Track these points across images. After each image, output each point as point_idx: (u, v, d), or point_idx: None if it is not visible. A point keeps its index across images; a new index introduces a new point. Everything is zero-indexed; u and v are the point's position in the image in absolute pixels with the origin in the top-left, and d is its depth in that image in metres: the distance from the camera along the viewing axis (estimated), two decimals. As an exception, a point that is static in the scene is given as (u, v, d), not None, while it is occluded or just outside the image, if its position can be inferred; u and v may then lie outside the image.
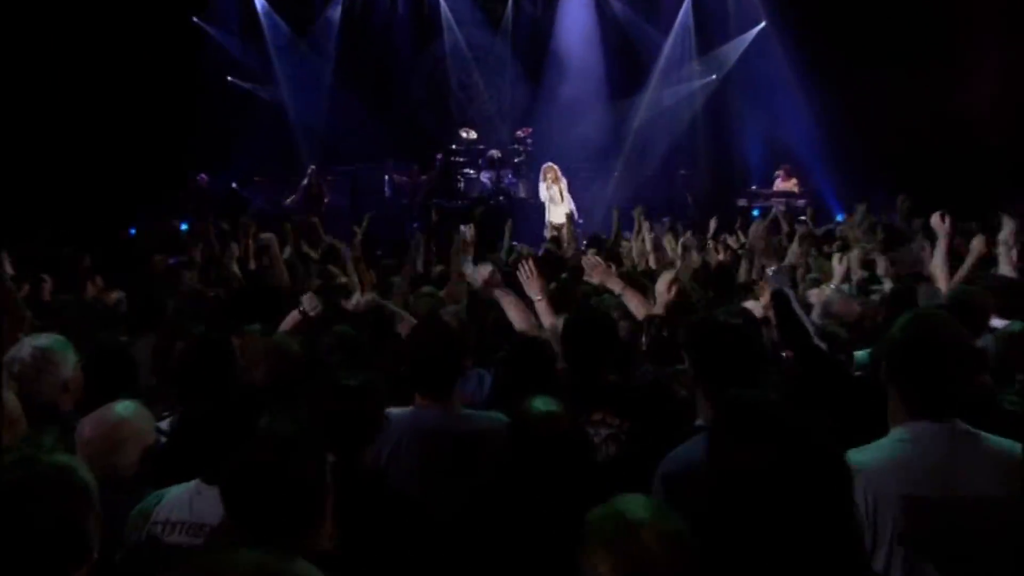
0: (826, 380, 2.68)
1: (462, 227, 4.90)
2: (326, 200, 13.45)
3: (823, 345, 2.80)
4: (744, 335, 2.39)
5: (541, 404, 2.28)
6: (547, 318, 3.78)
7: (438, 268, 7.00)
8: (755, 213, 13.43)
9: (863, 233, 7.45)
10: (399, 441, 2.71)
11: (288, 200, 11.48)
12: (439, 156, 14.73)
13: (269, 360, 3.19)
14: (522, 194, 14.93)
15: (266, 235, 5.79)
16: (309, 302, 4.00)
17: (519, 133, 15.32)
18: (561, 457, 2.17)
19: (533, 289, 3.94)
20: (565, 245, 9.64)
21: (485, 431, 2.68)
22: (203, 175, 13.51)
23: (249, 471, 1.80)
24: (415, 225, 13.73)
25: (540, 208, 12.86)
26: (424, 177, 14.66)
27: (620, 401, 2.83)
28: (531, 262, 4.00)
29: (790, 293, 2.88)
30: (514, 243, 9.07)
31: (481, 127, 16.11)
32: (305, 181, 13.55)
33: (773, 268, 3.02)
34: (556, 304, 4.72)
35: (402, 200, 14.50)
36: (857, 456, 2.01)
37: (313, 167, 13.58)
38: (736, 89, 15.42)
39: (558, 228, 11.81)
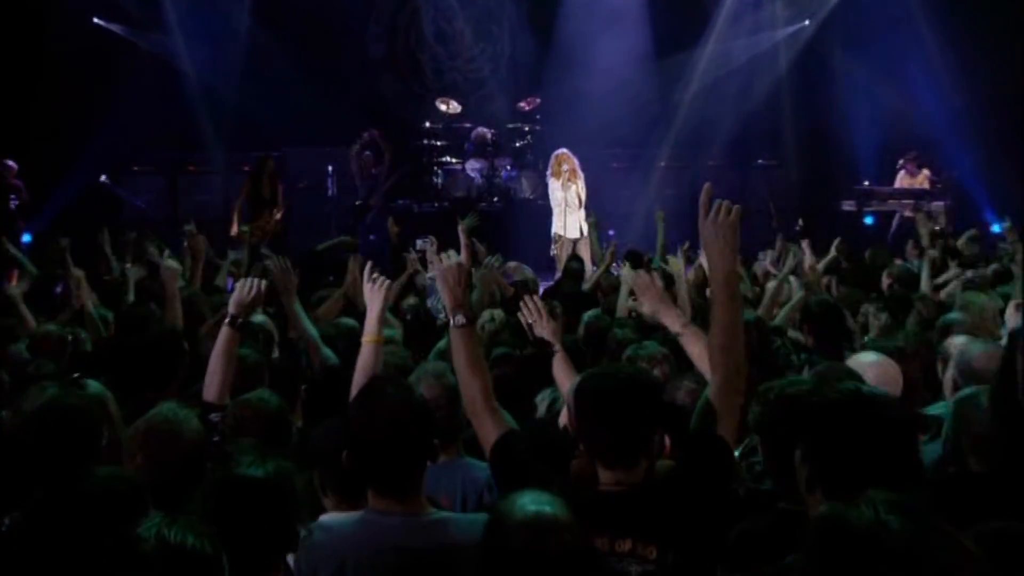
0: None
1: (419, 241, 4.86)
2: (279, 212, 13.00)
3: None
4: (891, 419, 2.40)
5: (530, 503, 2.25)
6: (565, 379, 3.77)
7: (412, 300, 7.05)
8: (868, 220, 13.39)
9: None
10: (343, 564, 2.70)
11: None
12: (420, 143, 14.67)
13: (152, 446, 3.16)
14: (525, 193, 14.91)
15: (169, 264, 5.82)
16: (240, 294, 4.05)
17: (522, 105, 15.36)
18: None
19: (546, 332, 4.00)
20: (589, 269, 9.62)
21: (470, 546, 2.64)
22: (10, 162, 13.09)
23: None
24: (372, 238, 13.68)
25: (550, 214, 12.82)
26: (377, 169, 14.61)
27: (664, 518, 2.75)
28: (534, 298, 4.11)
29: None
30: (511, 263, 9.00)
31: (468, 97, 16.14)
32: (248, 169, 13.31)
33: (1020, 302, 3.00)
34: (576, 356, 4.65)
35: (354, 200, 14.47)
36: None
37: (268, 156, 13.23)
38: (839, 41, 15.45)
39: (573, 243, 11.74)
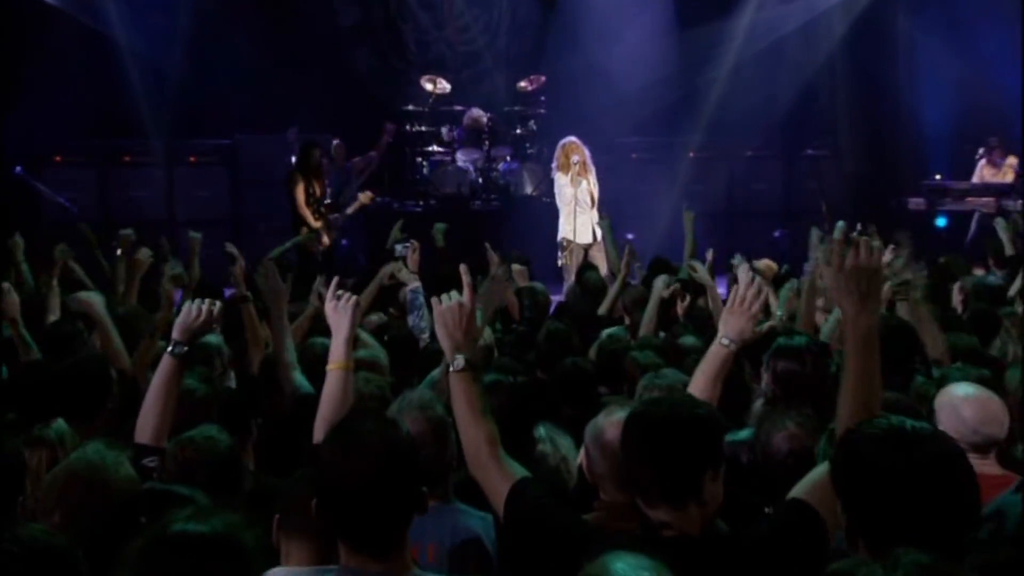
0: None
1: (398, 246, 4.81)
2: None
3: None
4: (937, 458, 2.44)
5: (629, 569, 2.30)
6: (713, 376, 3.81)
7: (373, 318, 6.98)
8: (940, 222, 13.35)
9: None
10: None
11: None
12: (389, 126, 14.63)
13: (73, 497, 3.18)
14: (527, 188, 14.94)
15: (82, 297, 5.79)
16: (185, 318, 4.03)
17: (523, 84, 15.42)
18: None
19: (739, 323, 3.83)
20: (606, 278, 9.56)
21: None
22: None
23: None
24: (344, 243, 13.66)
25: (557, 214, 12.78)
26: (357, 159, 14.59)
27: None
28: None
29: None
30: (515, 266, 8.99)
31: (459, 74, 16.19)
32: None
33: None
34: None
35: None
36: None
37: (313, 142, 13.40)
38: (904, 5, 15.51)
39: (585, 250, 11.69)
